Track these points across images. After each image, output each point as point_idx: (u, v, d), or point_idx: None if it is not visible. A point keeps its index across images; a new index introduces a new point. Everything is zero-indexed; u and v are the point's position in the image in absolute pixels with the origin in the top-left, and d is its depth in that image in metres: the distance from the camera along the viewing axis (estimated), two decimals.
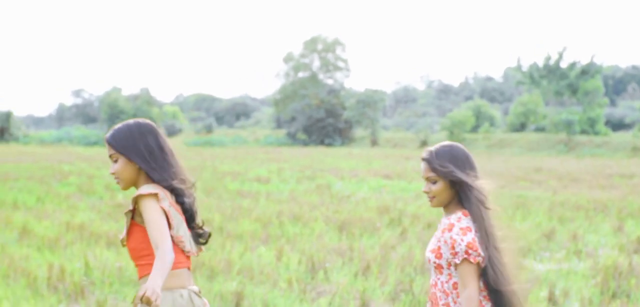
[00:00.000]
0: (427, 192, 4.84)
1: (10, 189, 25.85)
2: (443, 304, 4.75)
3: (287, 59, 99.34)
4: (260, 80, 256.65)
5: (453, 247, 4.61)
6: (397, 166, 41.64)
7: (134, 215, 4.60)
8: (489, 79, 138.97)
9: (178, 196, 4.71)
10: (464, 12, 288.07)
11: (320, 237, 15.11)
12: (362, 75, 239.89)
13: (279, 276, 11.62)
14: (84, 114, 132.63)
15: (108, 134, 4.73)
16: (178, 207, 4.71)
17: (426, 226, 16.69)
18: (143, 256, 4.61)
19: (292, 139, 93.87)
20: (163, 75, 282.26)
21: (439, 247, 4.71)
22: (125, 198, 22.75)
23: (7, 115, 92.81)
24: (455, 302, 4.71)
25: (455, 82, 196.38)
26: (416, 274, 11.83)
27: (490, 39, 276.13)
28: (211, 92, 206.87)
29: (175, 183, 4.70)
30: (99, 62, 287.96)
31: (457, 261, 4.60)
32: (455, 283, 4.71)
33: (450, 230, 4.65)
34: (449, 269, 4.71)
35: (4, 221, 17.24)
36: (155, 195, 4.50)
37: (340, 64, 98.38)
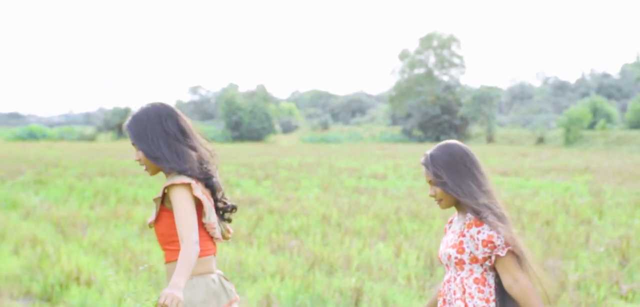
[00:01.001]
0: (433, 196, 4.76)
1: (130, 184, 26.32)
2: (458, 298, 4.65)
3: (403, 55, 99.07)
4: (376, 77, 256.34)
5: (490, 242, 4.50)
6: (513, 163, 41.10)
7: (164, 201, 4.57)
8: (606, 75, 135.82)
9: (207, 178, 4.66)
10: (580, 8, 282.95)
11: (439, 234, 14.99)
12: (477, 71, 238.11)
13: (397, 272, 11.58)
14: (201, 110, 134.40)
15: (127, 122, 4.69)
16: (207, 192, 4.67)
17: (545, 223, 16.43)
18: (171, 241, 4.57)
19: (408, 135, 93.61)
20: (279, 72, 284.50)
21: (462, 242, 4.61)
22: (242, 194, 22.98)
23: (125, 112, 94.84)
24: (472, 297, 4.60)
25: (571, 78, 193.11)
26: None
27: (607, 35, 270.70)
28: (327, 89, 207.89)
29: (198, 163, 4.63)
30: (216, 59, 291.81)
31: (502, 254, 4.50)
32: (476, 279, 4.61)
33: (479, 225, 4.56)
34: (471, 265, 4.61)
35: (124, 215, 17.57)
36: (188, 185, 4.47)
37: (456, 60, 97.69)
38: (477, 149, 50.76)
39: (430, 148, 4.79)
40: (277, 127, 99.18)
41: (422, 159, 4.79)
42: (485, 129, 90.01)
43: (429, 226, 16.04)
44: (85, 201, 21.12)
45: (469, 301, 4.60)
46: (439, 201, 4.72)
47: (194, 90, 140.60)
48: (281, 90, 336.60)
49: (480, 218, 4.54)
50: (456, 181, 4.63)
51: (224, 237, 4.82)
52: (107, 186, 25.13)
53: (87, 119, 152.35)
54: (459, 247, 4.61)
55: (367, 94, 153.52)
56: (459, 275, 4.65)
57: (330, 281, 10.78)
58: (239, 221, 16.77)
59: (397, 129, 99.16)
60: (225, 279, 4.72)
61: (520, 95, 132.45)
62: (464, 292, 4.62)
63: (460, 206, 4.71)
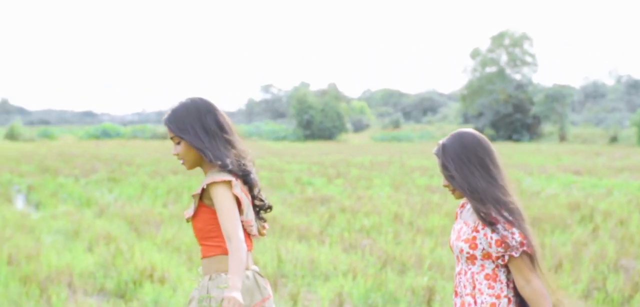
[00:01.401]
0: (446, 186, 4.65)
1: (200, 182, 26.50)
2: (468, 294, 4.57)
3: (474, 54, 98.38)
4: (448, 75, 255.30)
5: (505, 243, 4.38)
6: (587, 162, 40.57)
7: (203, 197, 4.59)
8: None
9: (245, 174, 4.67)
10: None
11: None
12: (550, 70, 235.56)
13: None
14: (272, 109, 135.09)
15: (166, 116, 4.68)
16: (245, 188, 4.68)
17: (619, 223, 16.20)
18: (209, 237, 4.62)
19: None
20: (351, 70, 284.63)
21: (475, 238, 4.48)
22: (314, 192, 23.02)
23: None
24: (481, 293, 4.51)
25: None
26: (609, 272, 11.50)
27: None
28: (398, 88, 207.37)
29: (239, 160, 4.66)
30: (288, 58, 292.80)
31: (515, 254, 4.38)
32: (487, 275, 4.50)
33: (493, 223, 4.42)
34: (482, 260, 4.50)
35: None
36: (229, 183, 4.49)
37: (528, 58, 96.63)
38: (549, 148, 50.44)
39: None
40: (349, 125, 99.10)
41: (435, 149, 4.69)
42: (557, 127, 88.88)
43: None
44: (159, 198, 21.34)
45: (479, 297, 4.53)
46: (453, 191, 4.62)
47: (266, 88, 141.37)
48: (353, 88, 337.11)
49: (484, 222, 4.42)
50: (465, 175, 4.51)
51: (260, 234, 4.85)
52: (180, 184, 25.34)
53: (160, 117, 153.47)
54: (471, 243, 4.50)
55: (439, 93, 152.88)
56: (469, 269, 4.58)
57: (402, 280, 10.75)
58: (311, 219, 16.81)
59: (469, 128, 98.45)
60: (260, 275, 4.75)
61: (593, 94, 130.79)
62: (474, 288, 4.55)
63: None
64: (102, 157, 43.43)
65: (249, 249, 4.69)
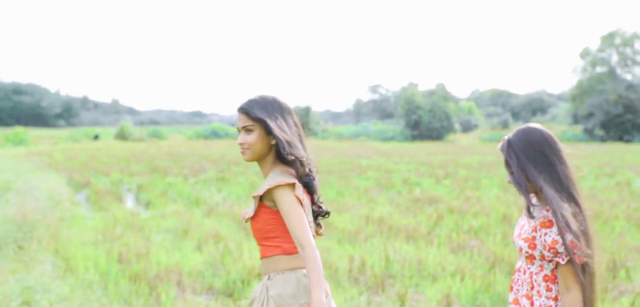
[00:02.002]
0: (511, 183, 4.51)
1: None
2: (524, 295, 4.50)
3: (584, 54, 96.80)
4: (557, 75, 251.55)
5: (554, 247, 4.28)
6: None
7: (263, 197, 4.52)
8: None
9: (310, 179, 4.63)
10: None
11: (621, 235, 14.53)
12: None
13: None
14: (380, 109, 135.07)
15: (245, 104, 4.60)
16: (305, 191, 4.63)
17: None
18: (268, 237, 4.57)
19: (590, 135, 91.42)
20: (459, 70, 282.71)
21: (534, 239, 4.38)
22: (422, 193, 22.88)
23: (307, 111, 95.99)
24: (539, 295, 4.41)
25: None
26: None
27: None
28: (507, 88, 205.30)
29: (307, 163, 4.62)
30: (396, 58, 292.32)
31: (562, 262, 4.27)
32: (545, 276, 4.41)
33: (549, 226, 4.32)
34: (541, 261, 4.39)
35: None
36: (293, 185, 4.44)
37: (639, 58, 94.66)
38: None
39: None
40: (457, 126, 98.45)
41: (500, 144, 4.59)
42: None
43: (611, 227, 15.55)
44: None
45: (536, 299, 4.44)
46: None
47: (374, 89, 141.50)
48: (461, 89, 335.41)
49: (542, 223, 4.33)
50: (528, 172, 4.41)
51: (317, 234, 4.81)
52: None
53: None
54: (531, 242, 4.41)
55: (548, 93, 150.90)
56: (529, 268, 4.49)
57: (510, 282, 10.58)
58: (419, 220, 16.70)
59: (578, 129, 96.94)
60: None
61: None
62: (531, 288, 4.47)
63: (538, 196, 4.49)
64: (211, 157, 43.91)
65: None
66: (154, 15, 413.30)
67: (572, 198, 4.37)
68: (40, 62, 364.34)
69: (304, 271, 4.56)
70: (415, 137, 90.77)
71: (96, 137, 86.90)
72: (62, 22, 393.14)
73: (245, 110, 4.59)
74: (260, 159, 4.64)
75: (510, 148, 4.49)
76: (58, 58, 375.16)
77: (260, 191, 4.48)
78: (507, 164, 4.50)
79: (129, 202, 22.19)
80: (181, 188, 24.46)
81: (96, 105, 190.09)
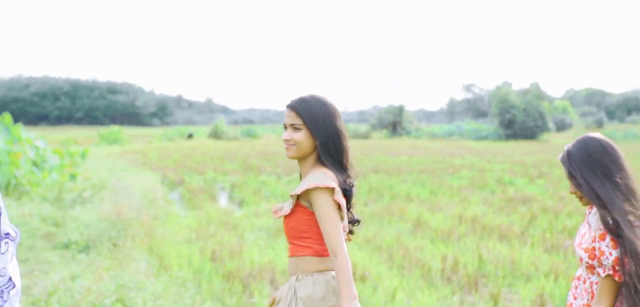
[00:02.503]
0: (573, 193, 4.50)
1: (404, 181, 26.54)
2: (584, 305, 4.43)
3: None
4: None
5: (600, 259, 4.22)
6: None
7: (300, 197, 4.49)
8: None
9: (349, 187, 4.60)
10: None
11: None
12: None
13: None
14: (474, 108, 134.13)
15: (294, 101, 4.60)
16: (342, 194, 4.58)
17: None
18: (301, 237, 4.55)
19: None
20: (554, 69, 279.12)
21: (594, 249, 4.28)
22: (516, 192, 22.65)
23: (400, 110, 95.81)
24: None
25: None
26: None
27: None
28: (602, 87, 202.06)
29: (349, 170, 4.63)
30: (490, 57, 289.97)
31: (602, 274, 4.21)
32: None
33: (603, 239, 4.25)
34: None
35: (398, 212, 17.69)
36: (332, 189, 4.40)
37: None
38: None
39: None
40: (551, 125, 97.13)
41: (560, 156, 4.57)
42: None
43: None
44: (359, 197, 21.43)
45: None
46: (580, 198, 4.49)
47: (468, 88, 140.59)
48: (555, 87, 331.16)
49: (611, 232, 4.22)
50: (593, 183, 4.33)
51: (347, 239, 4.76)
52: (381, 183, 25.44)
53: (362, 116, 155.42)
54: (591, 253, 4.32)
55: None
56: (589, 278, 4.43)
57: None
58: (512, 220, 16.54)
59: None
60: None
61: None
62: (591, 298, 4.40)
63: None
64: None
65: None
66: (248, 15, 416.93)
67: (632, 207, 4.30)
68: (135, 61, 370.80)
69: (333, 273, 4.56)
70: (509, 137, 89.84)
71: (190, 136, 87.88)
72: (157, 22, 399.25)
73: (294, 108, 4.59)
74: (302, 158, 4.64)
75: (571, 160, 4.47)
76: (153, 57, 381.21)
77: (299, 190, 4.48)
78: (571, 176, 4.47)
79: (223, 201, 22.39)
80: (274, 187, 24.62)
81: (190, 104, 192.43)
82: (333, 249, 4.32)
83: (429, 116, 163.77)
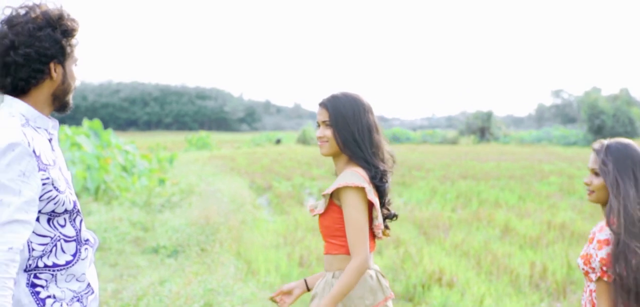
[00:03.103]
0: (587, 184, 4.46)
1: (492, 187, 26.33)
2: None
3: None
4: None
5: (589, 262, 4.24)
6: None
7: (333, 195, 4.53)
8: None
9: (382, 178, 4.59)
10: None
11: None
12: None
13: None
14: (563, 114, 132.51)
15: (326, 99, 4.66)
16: (375, 192, 4.59)
17: None
18: (335, 235, 4.57)
19: None
20: None
21: (587, 254, 4.31)
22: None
23: (488, 116, 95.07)
24: None
25: None
26: None
27: None
28: None
29: (381, 165, 4.61)
30: (579, 62, 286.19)
31: (593, 278, 4.22)
32: None
33: (590, 242, 4.35)
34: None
35: (486, 218, 17.56)
36: (363, 189, 4.42)
37: None
38: None
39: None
40: None
41: (597, 145, 4.49)
42: None
43: None
44: (448, 203, 21.36)
45: None
46: (590, 192, 4.46)
47: (556, 93, 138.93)
48: None
49: (610, 225, 4.24)
50: (620, 174, 4.30)
51: (384, 234, 4.75)
52: (469, 189, 25.28)
53: (449, 122, 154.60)
54: (585, 259, 4.33)
55: None
56: (588, 286, 4.43)
57: None
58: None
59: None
60: (382, 275, 4.70)
61: None
62: (593, 306, 4.37)
63: (604, 209, 4.40)
64: None
65: (372, 250, 4.66)
66: (337, 21, 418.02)
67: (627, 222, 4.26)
68: (224, 67, 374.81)
69: (371, 272, 4.60)
70: None
71: (278, 141, 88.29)
72: (246, 28, 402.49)
73: (325, 105, 4.66)
74: (335, 156, 4.70)
75: (608, 153, 4.42)
76: (242, 63, 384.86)
77: (330, 189, 4.54)
78: (603, 163, 4.41)
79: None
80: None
81: (278, 110, 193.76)
82: (352, 250, 4.41)
83: (517, 122, 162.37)
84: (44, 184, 3.52)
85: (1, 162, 3.39)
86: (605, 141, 4.51)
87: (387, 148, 4.75)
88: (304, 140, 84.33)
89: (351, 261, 4.40)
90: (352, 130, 4.57)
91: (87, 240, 3.82)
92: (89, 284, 3.83)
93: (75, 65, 3.80)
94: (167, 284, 10.60)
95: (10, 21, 3.59)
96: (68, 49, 3.70)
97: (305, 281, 4.94)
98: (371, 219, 4.57)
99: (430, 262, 11.82)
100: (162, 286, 10.49)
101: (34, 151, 3.49)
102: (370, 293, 4.53)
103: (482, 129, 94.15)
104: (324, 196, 4.61)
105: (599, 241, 4.26)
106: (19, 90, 3.64)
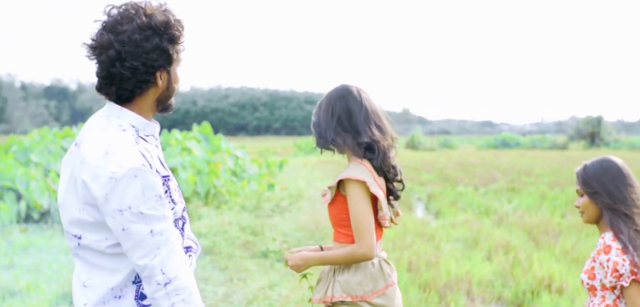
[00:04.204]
0: (577, 207, 4.67)
1: None
2: None
3: None
4: None
5: (616, 270, 4.25)
6: None
7: (339, 186, 4.69)
8: None
9: (385, 169, 4.80)
10: None
11: None
12: None
13: None
14: None
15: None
16: (381, 180, 4.78)
17: None
18: (342, 225, 4.72)
19: None
20: None
21: (593, 268, 4.49)
22: None
23: (598, 121, 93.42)
24: None
25: None
26: None
27: None
28: None
29: (385, 155, 4.79)
30: None
31: (625, 284, 4.23)
32: (607, 306, 4.34)
33: (607, 252, 4.39)
34: (603, 291, 4.44)
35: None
36: (364, 183, 4.56)
37: None
38: None
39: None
40: None
41: (577, 169, 4.66)
42: None
43: None
44: (557, 209, 21.06)
45: None
46: (582, 212, 4.65)
47: None
48: None
49: (614, 232, 4.38)
50: (607, 186, 4.47)
51: (392, 222, 4.88)
52: None
53: (559, 127, 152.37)
54: (590, 273, 4.46)
55: None
56: (592, 301, 4.49)
57: None
58: None
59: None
60: (387, 262, 4.81)
61: None
62: None
63: (600, 226, 4.54)
64: (501, 166, 43.57)
65: (379, 239, 4.78)
66: (444, 25, 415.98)
67: (634, 222, 4.44)
68: (332, 72, 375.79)
69: (375, 260, 4.73)
70: None
71: None
72: (356, 35, 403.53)
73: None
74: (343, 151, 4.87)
75: (586, 174, 4.62)
76: (349, 68, 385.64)
77: (334, 182, 4.68)
78: (585, 183, 4.61)
79: (419, 211, 22.39)
80: (471, 198, 24.44)
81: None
82: (357, 236, 4.57)
83: (628, 127, 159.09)
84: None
85: (131, 190, 3.29)
86: (585, 162, 4.71)
87: (390, 128, 4.95)
88: (412, 145, 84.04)
89: (354, 246, 4.60)
90: (324, 122, 4.87)
91: (190, 247, 3.80)
92: None
93: (180, 66, 3.71)
94: (276, 288, 10.71)
95: (115, 29, 3.43)
96: (174, 56, 3.59)
97: (321, 247, 5.14)
98: (377, 210, 4.69)
99: (540, 269, 11.70)
100: (271, 290, 10.60)
101: (157, 171, 3.43)
102: (370, 280, 4.69)
103: (592, 134, 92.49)
104: (329, 187, 4.75)
105: (618, 249, 4.35)
106: (124, 99, 3.53)
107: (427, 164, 47.33)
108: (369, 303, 4.67)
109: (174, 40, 3.56)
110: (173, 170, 20.47)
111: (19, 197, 18.05)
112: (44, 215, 18.01)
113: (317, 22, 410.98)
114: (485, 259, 13.35)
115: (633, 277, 4.30)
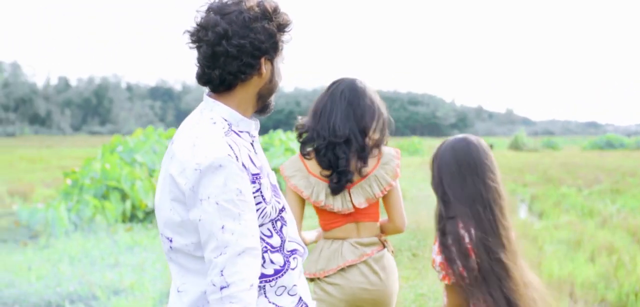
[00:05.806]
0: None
1: None
2: None
3: None
4: None
5: (433, 267, 4.09)
6: None
7: None
8: None
9: (336, 167, 5.05)
10: None
11: None
12: None
13: None
14: None
15: None
16: (323, 179, 5.02)
17: None
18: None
19: None
20: None
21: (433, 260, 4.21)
22: None
23: None
24: None
25: None
26: None
27: None
28: None
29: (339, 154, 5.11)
30: None
31: (439, 279, 4.08)
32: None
33: (435, 243, 4.25)
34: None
35: None
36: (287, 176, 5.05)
37: None
38: None
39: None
40: None
41: (434, 150, 4.50)
42: None
43: None
44: None
45: None
46: None
47: None
48: None
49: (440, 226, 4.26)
50: (444, 185, 4.33)
51: (355, 208, 5.16)
52: None
53: None
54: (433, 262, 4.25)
55: None
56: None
57: None
58: None
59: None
60: (355, 246, 5.17)
61: None
62: None
63: None
64: (606, 167, 42.97)
65: (338, 225, 5.13)
66: (547, 24, 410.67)
67: (475, 217, 4.23)
68: (436, 73, 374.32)
69: (330, 242, 5.12)
70: None
71: (490, 147, 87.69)
72: (457, 33, 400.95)
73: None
74: None
75: (437, 160, 4.46)
76: (454, 68, 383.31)
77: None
78: (433, 175, 4.44)
79: (522, 212, 22.30)
80: (575, 199, 24.22)
81: (490, 115, 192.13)
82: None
83: None
84: (254, 197, 3.31)
85: (214, 180, 3.16)
86: (441, 144, 4.63)
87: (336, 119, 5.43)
88: (516, 146, 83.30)
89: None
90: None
91: (295, 250, 3.59)
92: (301, 298, 3.57)
93: (283, 63, 3.58)
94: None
95: (222, 10, 3.34)
96: (281, 44, 3.48)
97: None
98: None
99: None
100: None
101: (243, 164, 3.26)
102: (323, 260, 5.10)
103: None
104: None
105: (436, 241, 4.37)
106: (226, 85, 3.41)
107: (531, 164, 46.93)
108: (323, 281, 5.10)
109: (281, 26, 3.47)
110: (275, 170, 20.70)
111: (124, 196, 18.49)
112: (149, 214, 18.46)
113: (421, 23, 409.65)
114: (589, 261, 13.28)
115: (441, 278, 4.19)
